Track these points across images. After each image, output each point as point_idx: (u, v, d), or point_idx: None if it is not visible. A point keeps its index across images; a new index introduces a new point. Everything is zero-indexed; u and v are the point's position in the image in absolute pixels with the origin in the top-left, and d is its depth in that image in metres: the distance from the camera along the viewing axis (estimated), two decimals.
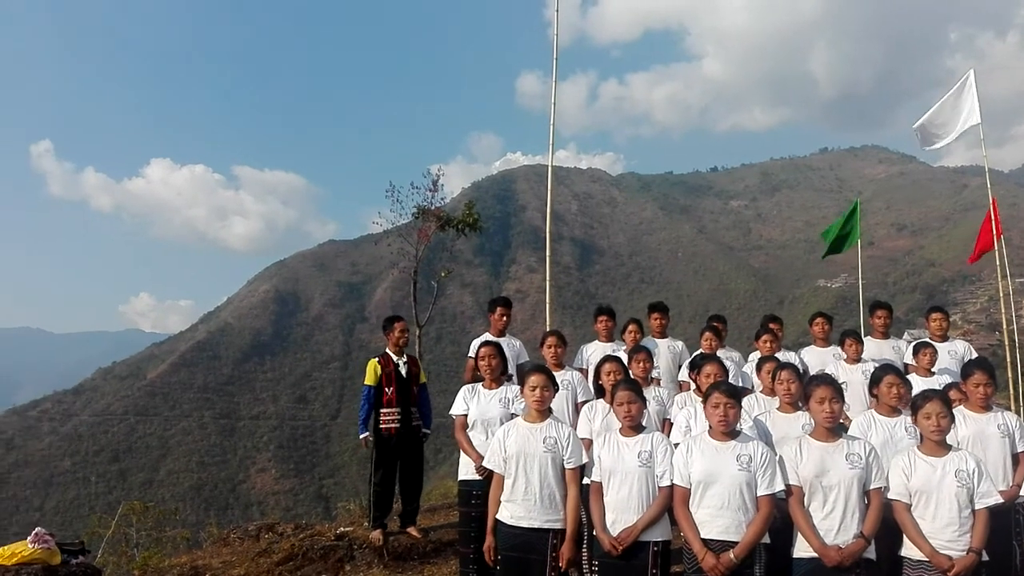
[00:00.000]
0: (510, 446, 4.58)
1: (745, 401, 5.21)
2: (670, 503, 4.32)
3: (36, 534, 7.27)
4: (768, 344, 6.96)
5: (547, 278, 10.82)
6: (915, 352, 6.66)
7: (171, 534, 11.50)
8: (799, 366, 5.79)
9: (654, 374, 6.32)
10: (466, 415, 5.63)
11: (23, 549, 7.10)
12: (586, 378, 6.35)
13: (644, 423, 4.64)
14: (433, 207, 13.49)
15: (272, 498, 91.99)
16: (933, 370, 6.50)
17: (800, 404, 4.87)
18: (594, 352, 6.99)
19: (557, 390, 4.84)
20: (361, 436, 7.06)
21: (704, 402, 4.40)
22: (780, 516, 4.23)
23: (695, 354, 6.43)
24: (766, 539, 4.13)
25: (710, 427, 4.35)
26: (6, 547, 7.20)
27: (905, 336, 9.16)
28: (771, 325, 7.49)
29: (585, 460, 4.59)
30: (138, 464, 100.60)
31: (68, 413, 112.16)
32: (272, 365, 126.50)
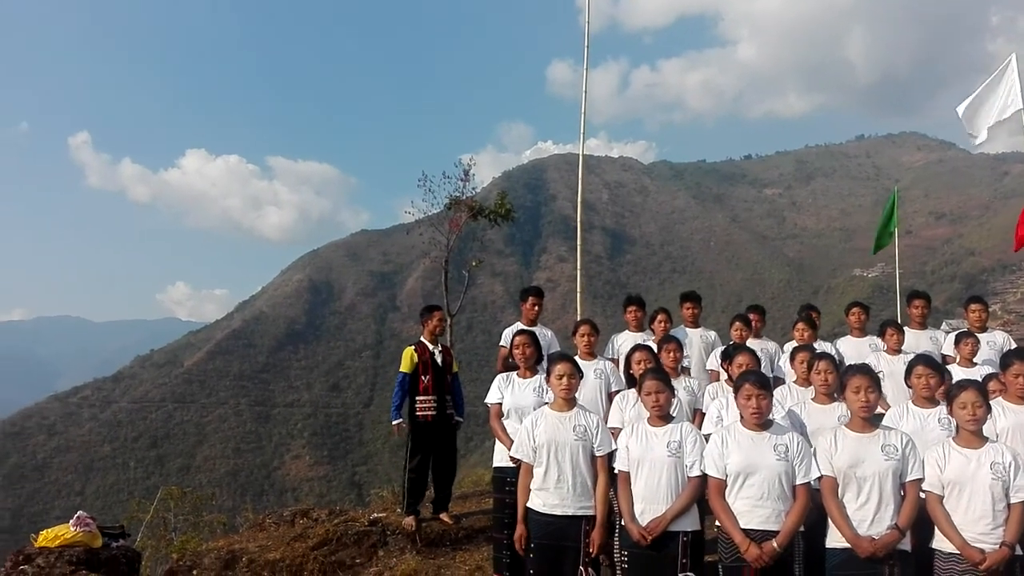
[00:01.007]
0: (539, 435, 4.62)
1: (778, 392, 5.17)
2: (699, 493, 4.32)
3: (78, 517, 7.47)
4: (803, 333, 6.88)
5: (578, 267, 10.81)
6: (956, 342, 6.51)
7: (208, 519, 11.70)
8: (835, 356, 5.72)
9: (685, 364, 6.28)
10: (500, 403, 5.68)
11: (66, 532, 7.29)
12: (617, 368, 6.35)
13: (674, 413, 4.63)
14: (465, 197, 13.52)
15: (306, 484, 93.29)
16: (975, 361, 6.38)
17: (836, 395, 4.82)
18: (624, 342, 6.98)
19: (582, 378, 4.86)
20: (394, 423, 7.13)
21: (735, 393, 4.38)
22: (814, 506, 4.21)
23: (727, 344, 6.39)
24: (801, 528, 4.12)
25: (742, 417, 4.32)
26: (49, 530, 7.40)
27: (943, 326, 9.01)
28: (807, 314, 7.41)
29: (614, 448, 4.60)
30: (175, 450, 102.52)
31: (108, 400, 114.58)
32: (306, 353, 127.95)
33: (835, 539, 4.13)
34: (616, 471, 4.53)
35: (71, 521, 7.42)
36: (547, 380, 4.94)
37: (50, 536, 7.27)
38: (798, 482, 4.12)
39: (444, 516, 7.27)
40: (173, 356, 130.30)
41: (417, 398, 7.02)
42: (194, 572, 6.86)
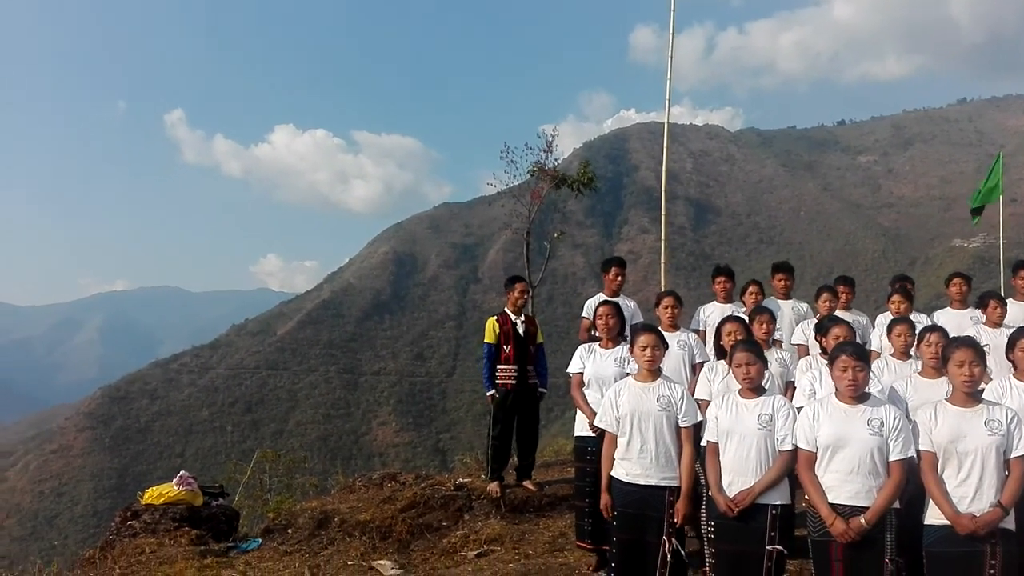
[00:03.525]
0: (622, 405, 4.61)
1: (874, 365, 5.01)
2: (790, 467, 4.24)
3: (180, 477, 7.92)
4: (899, 305, 6.62)
5: (662, 238, 10.64)
6: None
7: (300, 481, 12.17)
8: None
9: (776, 336, 6.14)
10: (582, 373, 5.70)
11: (169, 490, 7.75)
12: (703, 339, 6.26)
13: (766, 385, 4.54)
14: (548, 167, 13.49)
15: (392, 450, 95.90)
16: None
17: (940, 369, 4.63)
18: (712, 313, 6.86)
19: (667, 349, 4.81)
20: (488, 393, 7.25)
21: (830, 365, 4.24)
22: (913, 482, 4.08)
23: (820, 316, 6.20)
24: (896, 505, 3.99)
25: (837, 390, 4.19)
26: (154, 488, 7.87)
27: None
28: (902, 285, 7.12)
29: (700, 419, 4.56)
30: (269, 415, 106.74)
31: (205, 367, 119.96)
32: (391, 323, 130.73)
33: (934, 516, 3.99)
34: (704, 442, 4.50)
35: (174, 480, 7.88)
36: (630, 351, 4.92)
37: (155, 494, 7.74)
38: (893, 458, 3.97)
39: (527, 483, 7.38)
40: (266, 325, 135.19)
41: (499, 367, 7.12)
42: (289, 531, 7.17)
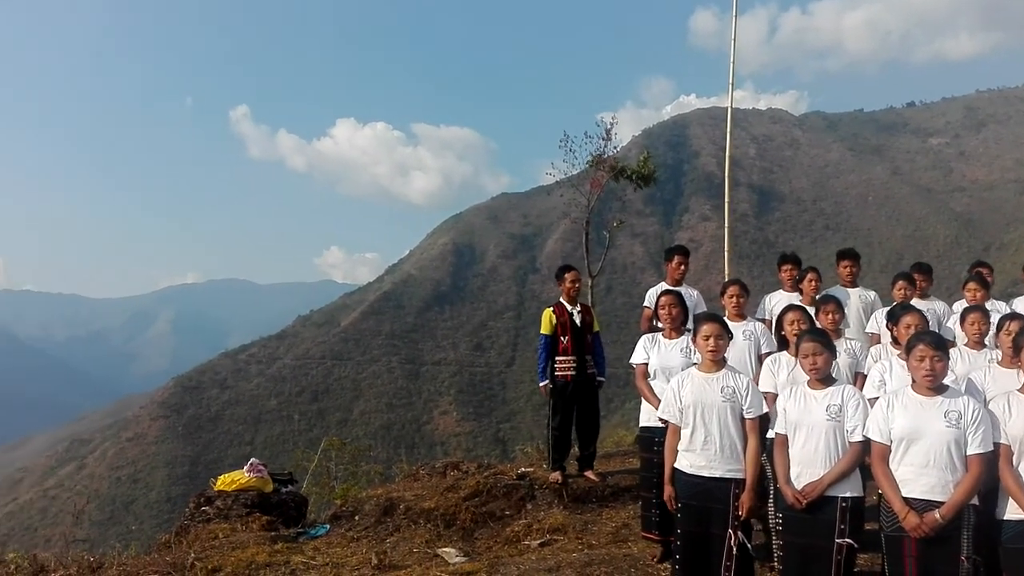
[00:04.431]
0: (686, 396, 4.55)
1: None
2: (861, 459, 4.13)
3: (251, 464, 8.15)
4: (975, 293, 6.37)
5: (726, 225, 10.49)
6: None
7: (365, 468, 12.41)
8: None
9: (841, 325, 5.98)
10: (646, 363, 5.66)
11: (241, 477, 7.98)
12: (769, 329, 6.15)
13: (834, 376, 4.43)
14: (607, 156, 13.35)
15: (454, 439, 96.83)
16: None
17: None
18: (778, 302, 6.71)
19: (731, 339, 4.73)
20: (540, 384, 7.26)
21: (907, 354, 4.11)
22: (989, 476, 3.93)
23: (893, 304, 6.02)
24: (975, 500, 3.85)
25: (913, 381, 4.06)
26: (226, 475, 8.12)
27: None
28: (979, 271, 6.85)
29: (765, 410, 4.48)
30: (334, 404, 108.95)
31: (273, 357, 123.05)
32: (451, 314, 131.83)
33: (1011, 511, 3.85)
34: (772, 434, 4.41)
35: (245, 467, 8.11)
36: (693, 340, 4.86)
37: (227, 481, 7.98)
38: (971, 452, 3.82)
39: (590, 473, 7.37)
40: (330, 316, 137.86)
41: (557, 358, 7.11)
42: (356, 517, 7.32)
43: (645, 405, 5.71)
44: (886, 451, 4.01)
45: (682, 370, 4.99)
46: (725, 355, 4.65)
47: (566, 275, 7.30)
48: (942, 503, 3.79)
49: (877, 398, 4.31)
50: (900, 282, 6.66)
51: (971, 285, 6.46)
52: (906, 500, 3.87)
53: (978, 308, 5.47)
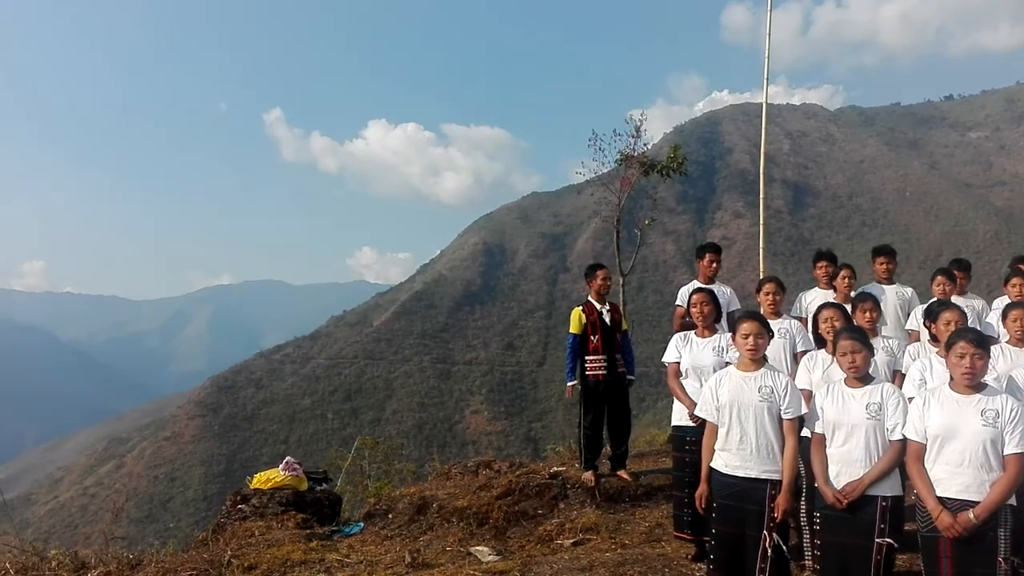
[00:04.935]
0: (723, 395, 4.49)
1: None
2: (901, 457, 4.05)
3: (286, 462, 8.23)
4: (1019, 288, 6.22)
5: (761, 222, 10.37)
6: None
7: (398, 467, 12.50)
8: None
9: (879, 323, 5.88)
10: (679, 362, 5.62)
11: (276, 475, 8.07)
12: (805, 327, 6.07)
13: (872, 374, 4.36)
14: (636, 153, 13.27)
15: (485, 438, 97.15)
16: None
17: None
18: (814, 300, 6.62)
19: (771, 337, 4.67)
20: (568, 384, 7.22)
21: (947, 351, 4.03)
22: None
23: (931, 301, 5.90)
24: (1012, 500, 3.75)
25: (951, 379, 3.98)
26: (262, 473, 8.21)
27: None
28: (1021, 267, 6.69)
29: (804, 411, 4.41)
30: (367, 403, 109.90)
31: (307, 357, 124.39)
32: (482, 314, 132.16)
33: None
34: (810, 434, 4.35)
35: (280, 466, 8.20)
36: (732, 339, 4.80)
37: (262, 479, 8.08)
38: (1008, 452, 3.73)
39: (622, 473, 7.33)
40: (363, 316, 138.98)
41: (587, 358, 7.08)
42: (390, 515, 7.36)
43: (677, 404, 5.67)
44: (921, 450, 3.93)
45: (715, 369, 4.94)
46: (765, 354, 4.59)
47: (597, 272, 7.26)
48: (977, 503, 3.72)
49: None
50: (939, 278, 6.51)
51: (1014, 280, 6.30)
52: (940, 500, 3.80)
53: (1020, 304, 5.33)
